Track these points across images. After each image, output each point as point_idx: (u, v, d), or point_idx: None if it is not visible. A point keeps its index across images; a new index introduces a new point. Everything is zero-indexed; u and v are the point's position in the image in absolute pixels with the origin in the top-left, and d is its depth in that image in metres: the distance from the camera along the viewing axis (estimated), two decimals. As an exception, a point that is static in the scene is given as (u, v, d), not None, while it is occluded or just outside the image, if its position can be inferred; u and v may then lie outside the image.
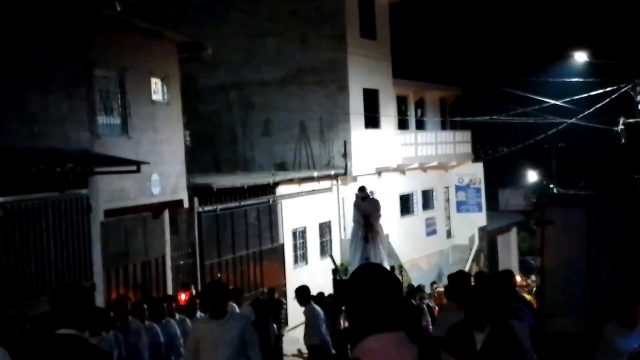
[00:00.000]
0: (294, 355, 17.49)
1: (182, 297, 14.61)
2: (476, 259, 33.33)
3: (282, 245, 22.12)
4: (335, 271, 20.50)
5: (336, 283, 19.34)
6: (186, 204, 17.72)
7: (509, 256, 39.07)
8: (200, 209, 18.46)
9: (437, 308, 17.66)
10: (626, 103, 25.99)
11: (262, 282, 20.58)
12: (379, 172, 27.52)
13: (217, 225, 19.21)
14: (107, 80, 15.32)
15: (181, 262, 17.77)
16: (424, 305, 17.26)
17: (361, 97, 26.76)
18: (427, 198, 32.19)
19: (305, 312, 13.41)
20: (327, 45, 25.74)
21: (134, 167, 14.31)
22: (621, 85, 25.57)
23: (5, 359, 5.40)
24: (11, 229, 12.19)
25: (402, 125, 30.48)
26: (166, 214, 17.22)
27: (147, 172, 15.58)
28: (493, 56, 42.93)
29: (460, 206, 33.87)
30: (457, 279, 8.59)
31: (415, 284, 22.41)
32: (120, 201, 15.22)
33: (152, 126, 16.53)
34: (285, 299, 18.90)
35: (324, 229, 24.44)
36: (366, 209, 19.04)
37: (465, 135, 33.89)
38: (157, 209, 16.82)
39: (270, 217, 21.56)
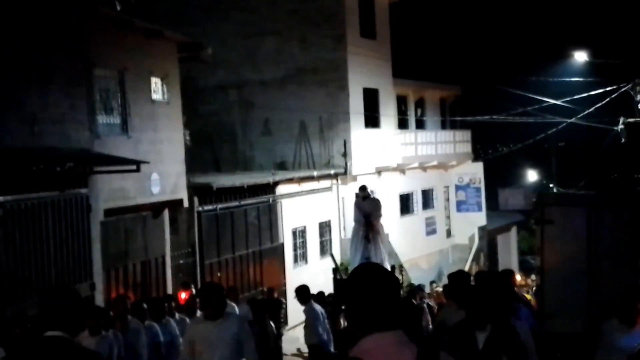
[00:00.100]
0: (293, 355, 17.49)
1: (183, 296, 14.61)
2: (476, 259, 33.34)
3: (282, 244, 22.12)
4: (335, 270, 20.52)
5: (336, 282, 19.36)
6: (186, 204, 17.72)
7: (509, 256, 39.09)
8: (200, 209, 18.46)
9: (436, 308, 17.66)
10: (626, 103, 25.99)
11: (261, 281, 20.58)
12: (378, 172, 27.52)
13: (217, 225, 19.21)
14: (107, 80, 15.32)
15: (181, 262, 17.77)
16: (424, 305, 17.28)
17: (361, 96, 26.77)
18: (427, 197, 32.19)
19: (305, 311, 13.43)
20: (327, 45, 25.74)
21: (134, 167, 14.31)
22: (621, 85, 25.58)
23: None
24: (11, 229, 12.19)
25: (402, 124, 30.48)
26: (166, 213, 17.23)
27: (147, 172, 15.58)
28: (493, 56, 42.91)
29: (460, 206, 33.87)
30: (457, 278, 8.60)
31: (415, 283, 22.41)
32: (120, 201, 15.22)
33: (152, 126, 16.53)
34: (285, 298, 18.91)
35: (324, 228, 24.44)
36: (367, 208, 19.04)
37: (465, 134, 33.90)
38: (157, 208, 16.82)
39: (270, 216, 21.56)
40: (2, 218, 11.98)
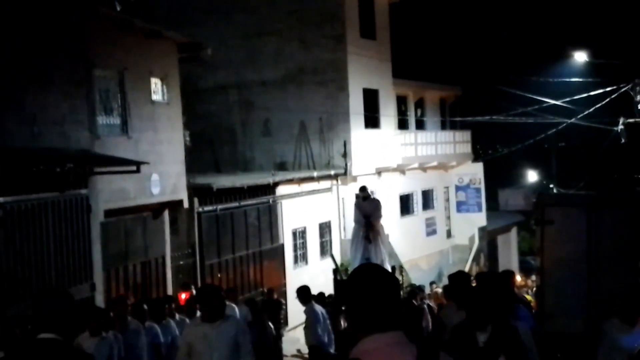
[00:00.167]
0: (293, 356, 17.48)
1: (183, 296, 14.61)
2: (476, 259, 33.34)
3: (282, 245, 22.11)
4: (335, 271, 20.50)
5: (337, 283, 19.35)
6: (186, 204, 17.72)
7: (509, 256, 39.08)
8: (200, 209, 18.45)
9: (437, 308, 17.65)
10: (626, 103, 25.98)
11: (262, 282, 20.58)
12: (378, 172, 27.52)
13: (217, 226, 19.21)
14: (106, 80, 15.33)
15: (181, 262, 17.77)
16: (425, 306, 17.27)
17: (361, 97, 26.76)
18: (427, 198, 32.19)
19: (305, 312, 13.43)
20: (327, 45, 25.74)
21: (134, 167, 14.32)
22: (621, 85, 25.56)
23: None
24: (11, 230, 12.19)
25: (402, 125, 30.48)
26: (166, 214, 17.23)
27: (147, 172, 15.58)
28: (493, 56, 42.89)
29: (460, 206, 33.87)
30: (457, 279, 8.61)
31: (415, 284, 22.41)
32: (120, 201, 15.22)
33: (151, 126, 16.53)
34: (285, 299, 18.91)
35: (324, 229, 24.44)
36: (367, 208, 19.04)
37: (465, 135, 33.89)
38: (157, 209, 16.83)
39: (270, 217, 21.56)
40: (2, 219, 11.98)
